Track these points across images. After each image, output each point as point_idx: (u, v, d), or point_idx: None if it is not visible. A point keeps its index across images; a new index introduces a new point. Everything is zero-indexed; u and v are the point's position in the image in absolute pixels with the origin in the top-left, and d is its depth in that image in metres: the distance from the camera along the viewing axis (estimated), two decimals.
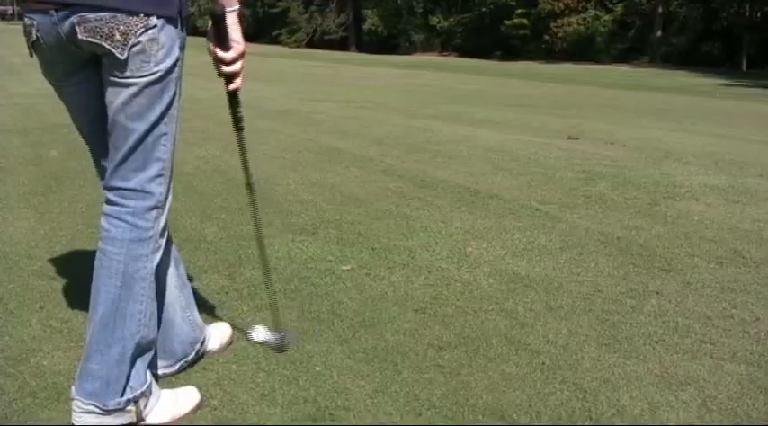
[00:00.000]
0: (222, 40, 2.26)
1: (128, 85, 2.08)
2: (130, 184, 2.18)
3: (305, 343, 2.86)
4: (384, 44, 51.93)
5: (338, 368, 2.66)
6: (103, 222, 2.22)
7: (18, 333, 2.88)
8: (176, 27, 2.12)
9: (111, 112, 2.13)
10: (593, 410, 2.44)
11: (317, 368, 2.66)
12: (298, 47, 54.26)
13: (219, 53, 2.27)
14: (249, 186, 2.69)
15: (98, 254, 2.21)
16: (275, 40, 57.22)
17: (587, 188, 5.82)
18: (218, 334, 2.79)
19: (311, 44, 55.97)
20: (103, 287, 2.17)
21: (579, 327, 3.09)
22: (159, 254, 2.29)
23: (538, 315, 3.22)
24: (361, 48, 53.87)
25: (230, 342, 2.83)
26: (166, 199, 2.28)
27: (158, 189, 2.22)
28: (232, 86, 2.36)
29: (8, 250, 3.89)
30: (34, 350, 2.74)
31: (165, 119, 2.17)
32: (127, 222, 2.19)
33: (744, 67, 37.70)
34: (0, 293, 3.29)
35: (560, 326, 3.09)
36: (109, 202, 2.22)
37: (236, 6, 2.25)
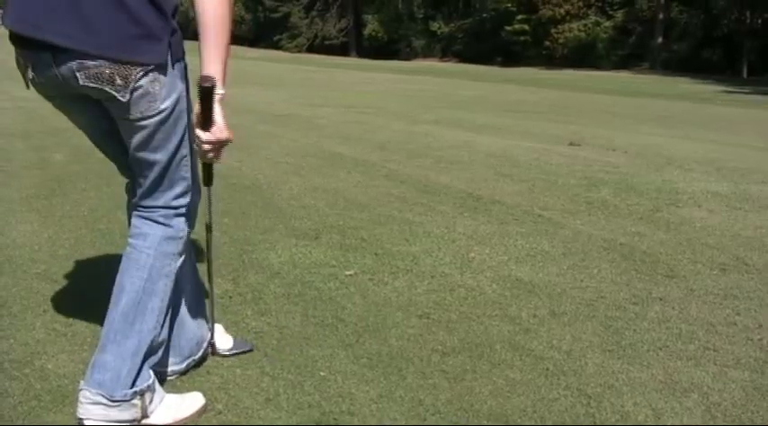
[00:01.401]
0: (205, 118, 2.16)
1: (141, 128, 2.14)
2: (159, 203, 2.30)
3: (309, 348, 2.86)
4: (384, 49, 52.04)
5: (342, 373, 2.66)
6: (135, 221, 2.32)
7: (22, 336, 2.88)
8: (167, 73, 2.12)
9: (130, 149, 2.21)
10: (597, 415, 2.44)
11: (322, 373, 2.66)
12: (298, 52, 54.34)
13: (198, 131, 2.19)
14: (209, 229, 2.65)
15: (127, 249, 2.29)
16: (276, 45, 57.33)
17: (589, 194, 5.83)
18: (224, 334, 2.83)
19: (312, 49, 56.08)
20: (129, 279, 2.24)
21: (583, 333, 3.09)
22: (183, 258, 2.37)
23: (541, 320, 3.22)
24: (362, 53, 53.98)
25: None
26: (196, 206, 2.42)
27: (185, 201, 2.34)
28: (205, 160, 2.30)
29: (12, 253, 3.89)
30: (38, 354, 2.74)
31: (184, 144, 2.26)
32: (158, 222, 2.30)
33: (744, 74, 37.81)
34: (4, 296, 3.29)
35: (564, 332, 3.10)
36: (140, 209, 2.32)
37: (222, 92, 2.16)
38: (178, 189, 2.31)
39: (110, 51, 2.01)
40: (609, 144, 8.92)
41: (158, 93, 2.10)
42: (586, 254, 4.20)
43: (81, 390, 2.18)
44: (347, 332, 3.02)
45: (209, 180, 2.47)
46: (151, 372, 2.28)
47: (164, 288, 2.28)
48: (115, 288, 2.26)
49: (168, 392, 2.37)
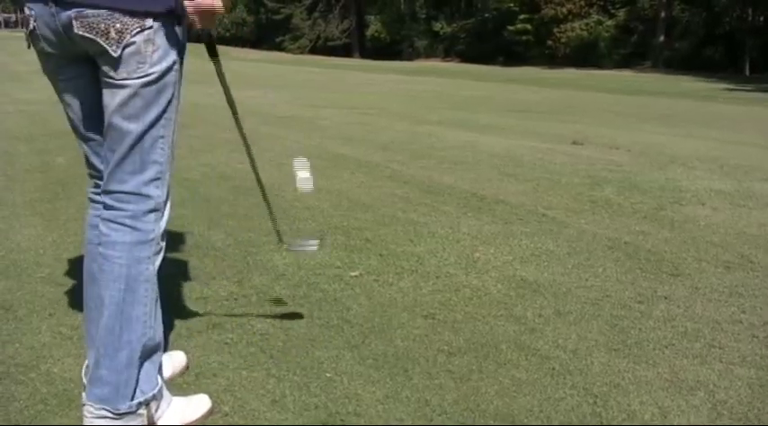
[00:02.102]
0: None
1: (123, 87, 2.08)
2: (127, 187, 2.17)
3: (315, 349, 2.86)
4: (387, 50, 52.05)
5: (349, 374, 2.66)
6: (102, 227, 2.19)
7: (28, 340, 2.89)
8: (173, 25, 2.10)
9: (107, 115, 2.13)
10: (603, 415, 2.44)
11: (328, 374, 2.66)
12: (301, 53, 54.31)
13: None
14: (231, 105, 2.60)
15: (99, 260, 2.19)
16: (278, 47, 57.30)
17: (593, 193, 5.83)
18: (169, 363, 2.66)
19: (314, 50, 56.07)
20: (107, 292, 2.16)
21: (588, 332, 3.09)
22: (161, 256, 2.27)
23: (547, 320, 3.22)
24: (365, 54, 53.98)
25: (183, 370, 2.71)
26: (165, 202, 2.26)
27: (156, 191, 2.21)
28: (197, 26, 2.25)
29: (16, 257, 3.90)
30: (44, 357, 2.75)
31: (162, 122, 2.16)
32: (126, 225, 2.17)
33: (747, 72, 37.77)
34: (9, 300, 3.30)
35: (569, 331, 3.10)
36: (106, 207, 2.20)
37: None
38: (150, 173, 2.18)
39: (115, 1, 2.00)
40: (612, 143, 8.92)
41: (149, 56, 2.06)
42: (591, 253, 4.20)
43: (84, 405, 2.16)
44: (353, 334, 3.02)
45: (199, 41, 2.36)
46: (159, 378, 2.27)
47: (145, 293, 2.19)
48: (94, 300, 2.21)
49: (174, 395, 2.37)
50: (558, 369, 2.75)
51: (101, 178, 2.32)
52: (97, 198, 2.34)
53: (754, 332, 3.15)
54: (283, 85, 19.51)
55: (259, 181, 2.77)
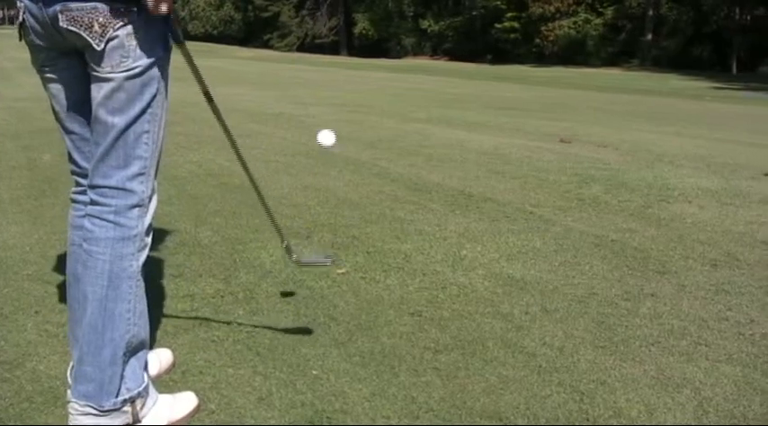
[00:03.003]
0: None
1: (108, 80, 2.08)
2: (111, 182, 2.16)
3: (301, 347, 2.85)
4: (375, 48, 52.04)
5: (335, 372, 2.66)
6: (86, 223, 2.19)
7: (14, 338, 2.87)
8: (147, 31, 2.07)
9: (94, 108, 2.13)
10: (590, 412, 2.45)
11: (314, 372, 2.66)
12: (289, 51, 54.28)
13: None
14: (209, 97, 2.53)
15: (83, 256, 2.18)
16: (266, 45, 57.28)
17: (581, 191, 5.84)
18: (156, 360, 2.64)
19: (302, 48, 56.06)
20: (90, 288, 2.15)
21: (575, 330, 3.10)
22: (146, 253, 2.26)
23: (533, 317, 3.22)
24: (352, 52, 53.99)
25: (170, 368, 2.69)
26: (149, 198, 2.25)
27: (140, 187, 2.19)
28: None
29: (2, 254, 3.88)
30: (30, 355, 2.73)
31: (147, 117, 2.15)
32: (109, 221, 2.16)
33: (734, 70, 37.96)
34: None
35: (556, 329, 3.10)
36: (91, 202, 2.19)
37: None
38: (134, 168, 2.17)
39: None
40: (600, 140, 8.94)
41: (133, 50, 2.06)
42: (578, 251, 4.21)
43: (69, 402, 2.15)
44: (339, 331, 3.02)
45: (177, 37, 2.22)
46: (145, 375, 2.26)
47: (128, 290, 2.17)
48: (77, 299, 2.20)
49: (161, 392, 2.36)
50: (545, 367, 2.75)
51: (82, 176, 2.32)
52: (79, 198, 2.34)
53: (740, 329, 3.16)
54: (271, 83, 19.47)
55: (256, 189, 2.71)
